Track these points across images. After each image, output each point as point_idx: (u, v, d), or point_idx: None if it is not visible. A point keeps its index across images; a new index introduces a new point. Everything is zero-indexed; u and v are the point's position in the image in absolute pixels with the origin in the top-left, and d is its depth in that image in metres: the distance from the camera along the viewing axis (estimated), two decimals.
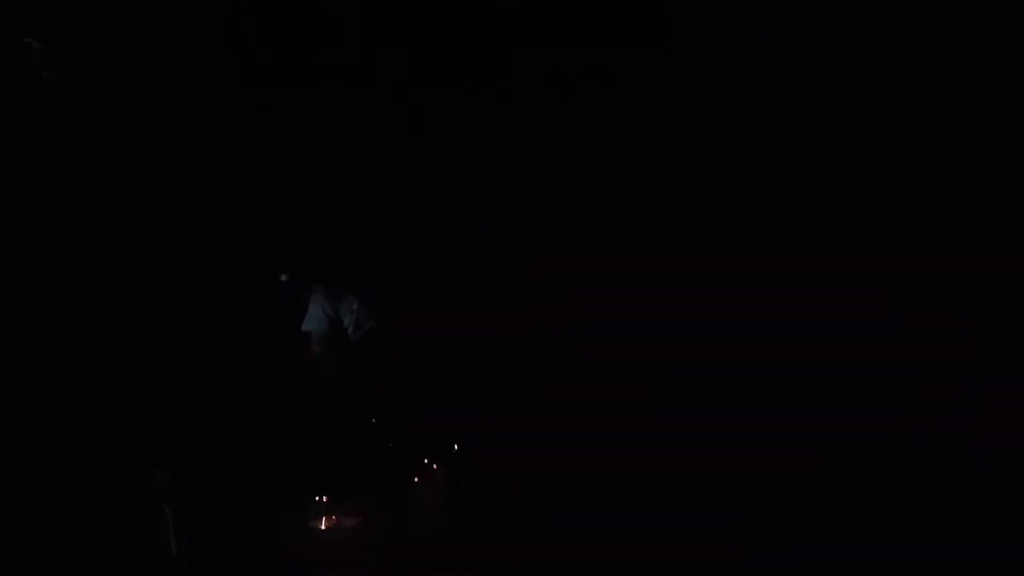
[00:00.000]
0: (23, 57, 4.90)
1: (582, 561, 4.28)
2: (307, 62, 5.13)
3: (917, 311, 4.60)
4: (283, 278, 5.23)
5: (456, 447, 4.86)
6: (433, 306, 5.11)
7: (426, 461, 4.81)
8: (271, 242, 5.15)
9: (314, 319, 5.12)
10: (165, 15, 4.93)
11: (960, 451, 4.33)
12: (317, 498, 4.64)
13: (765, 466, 4.50)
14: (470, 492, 4.71)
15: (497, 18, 5.03)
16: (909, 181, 4.73)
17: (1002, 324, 4.48)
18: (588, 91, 5.11)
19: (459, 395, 4.99)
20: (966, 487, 4.23)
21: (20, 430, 4.54)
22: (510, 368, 5.02)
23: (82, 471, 4.60)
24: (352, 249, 5.15)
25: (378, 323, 5.10)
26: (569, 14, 5.04)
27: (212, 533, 4.59)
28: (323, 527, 4.60)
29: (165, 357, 4.88)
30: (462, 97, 5.11)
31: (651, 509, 4.49)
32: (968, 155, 4.63)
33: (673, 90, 4.99)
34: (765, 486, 4.47)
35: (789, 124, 4.86)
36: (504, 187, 5.15)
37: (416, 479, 4.76)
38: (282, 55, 5.12)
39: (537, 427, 4.82)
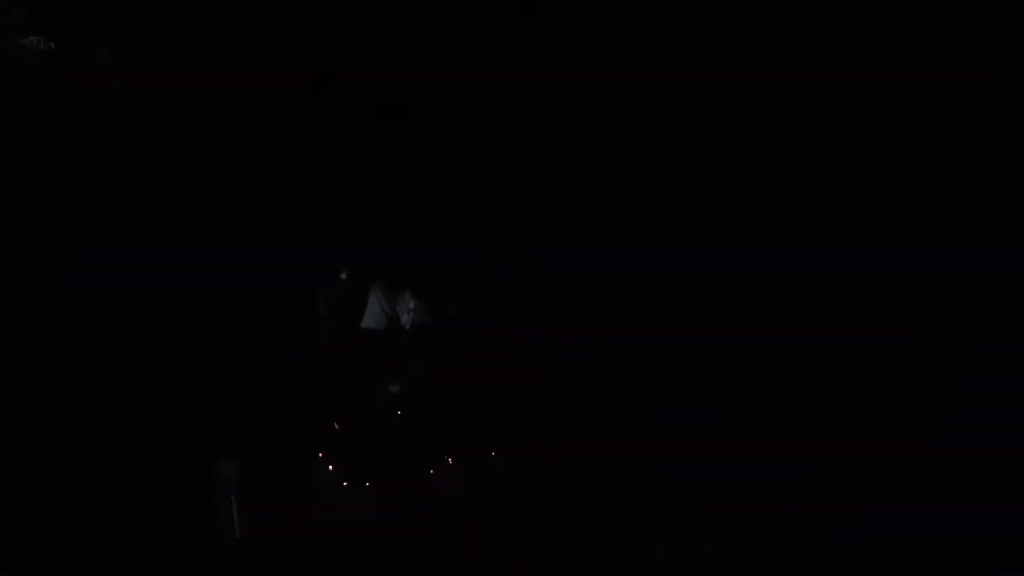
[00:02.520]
0: (92, 61, 5.12)
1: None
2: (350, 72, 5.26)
3: (917, 310, 4.64)
4: (343, 275, 5.35)
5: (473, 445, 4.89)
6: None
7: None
8: (331, 240, 5.31)
9: (372, 316, 5.22)
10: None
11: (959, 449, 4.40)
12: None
13: (767, 464, 4.60)
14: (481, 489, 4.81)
15: (499, 21, 5.10)
16: (909, 180, 4.75)
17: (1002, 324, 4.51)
18: (588, 91, 5.16)
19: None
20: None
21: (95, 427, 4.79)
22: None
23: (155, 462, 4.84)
24: (410, 247, 5.24)
25: (435, 321, 5.17)
26: (571, 15, 5.10)
27: (269, 518, 4.75)
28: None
29: (229, 355, 5.08)
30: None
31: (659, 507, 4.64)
32: (968, 155, 4.64)
33: (674, 90, 5.04)
34: (767, 484, 4.56)
35: (789, 124, 4.91)
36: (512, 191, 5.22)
37: (432, 471, 4.82)
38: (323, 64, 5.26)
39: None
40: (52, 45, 5.10)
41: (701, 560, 4.48)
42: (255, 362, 5.09)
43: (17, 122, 5.00)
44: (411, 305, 5.21)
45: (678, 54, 4.97)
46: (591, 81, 5.16)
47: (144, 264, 5.00)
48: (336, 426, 4.95)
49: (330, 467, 4.77)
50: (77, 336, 4.89)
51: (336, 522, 4.74)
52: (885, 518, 4.37)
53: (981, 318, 4.59)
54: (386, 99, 5.30)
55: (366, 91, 5.28)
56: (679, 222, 5.03)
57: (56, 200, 4.99)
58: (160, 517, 4.74)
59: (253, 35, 5.23)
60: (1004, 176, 4.56)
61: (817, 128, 4.80)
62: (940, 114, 4.59)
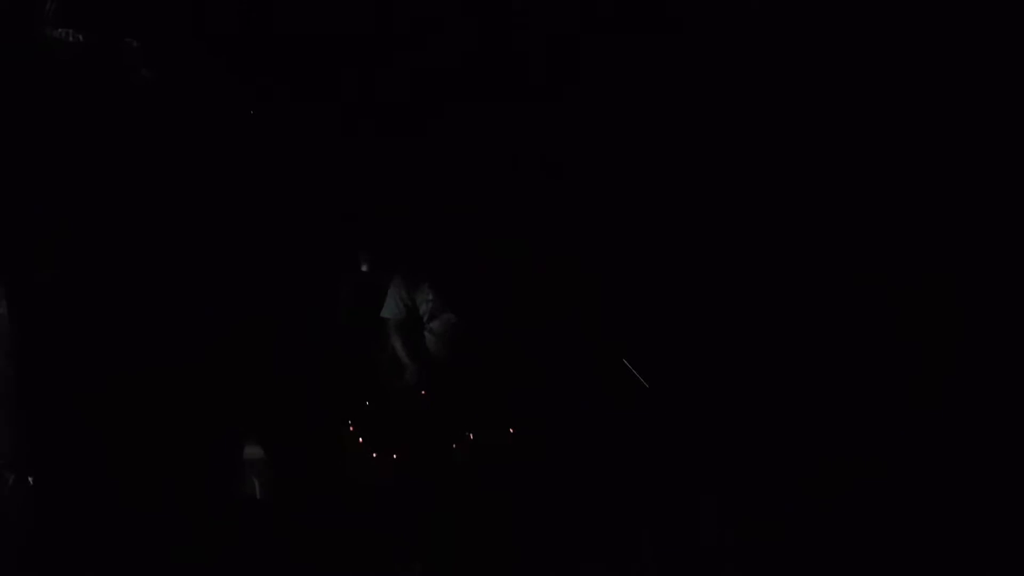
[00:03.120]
0: (121, 55, 5.20)
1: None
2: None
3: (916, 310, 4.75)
4: (363, 267, 5.50)
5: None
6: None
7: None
8: (355, 231, 5.45)
9: (391, 306, 5.38)
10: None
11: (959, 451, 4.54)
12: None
13: (768, 464, 4.74)
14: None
15: (500, 18, 5.18)
16: (909, 181, 4.85)
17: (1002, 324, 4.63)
18: (587, 91, 5.26)
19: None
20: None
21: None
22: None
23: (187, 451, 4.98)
24: (431, 240, 5.37)
25: (455, 314, 5.31)
26: (572, 13, 5.19)
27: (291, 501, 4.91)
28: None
29: (250, 344, 5.21)
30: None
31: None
32: (968, 155, 4.74)
33: (673, 88, 5.14)
34: (767, 484, 4.69)
35: (789, 123, 5.00)
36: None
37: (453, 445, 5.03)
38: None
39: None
40: (81, 37, 5.17)
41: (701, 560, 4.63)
42: (277, 350, 5.25)
43: (45, 113, 5.08)
44: (429, 296, 5.36)
45: (676, 53, 5.03)
46: (595, 79, 5.23)
47: (170, 255, 5.11)
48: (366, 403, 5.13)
49: (359, 441, 4.96)
50: (101, 326, 4.99)
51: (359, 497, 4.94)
52: (890, 523, 4.52)
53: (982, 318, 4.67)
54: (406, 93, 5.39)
55: (389, 84, 5.37)
56: (680, 221, 5.13)
57: (79, 192, 5.07)
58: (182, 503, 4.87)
59: (280, 32, 5.32)
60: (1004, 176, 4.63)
61: (817, 128, 4.86)
62: (940, 114, 4.65)
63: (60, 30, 5.16)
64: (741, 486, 4.70)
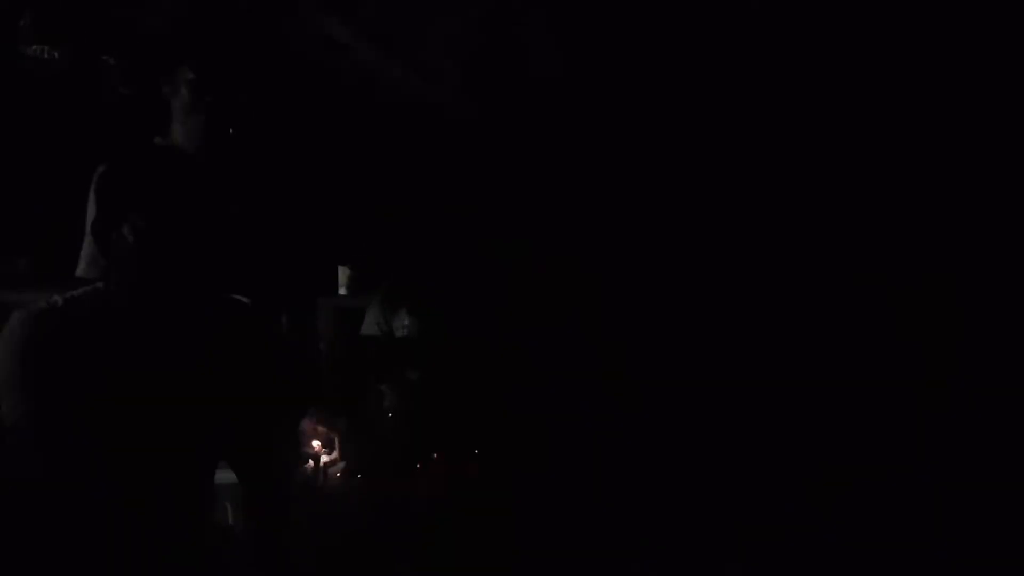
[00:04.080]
0: (101, 73, 5.12)
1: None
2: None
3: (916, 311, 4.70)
4: (342, 291, 5.38)
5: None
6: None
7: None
8: (332, 254, 5.33)
9: (369, 327, 5.26)
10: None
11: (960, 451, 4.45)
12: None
13: (767, 465, 4.69)
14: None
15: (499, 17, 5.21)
16: (908, 181, 4.87)
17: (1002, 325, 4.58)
18: (586, 90, 5.26)
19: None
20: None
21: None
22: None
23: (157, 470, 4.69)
24: (409, 261, 5.27)
25: (431, 339, 5.18)
26: (570, 12, 5.19)
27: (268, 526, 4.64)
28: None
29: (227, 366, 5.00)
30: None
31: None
32: (968, 155, 4.76)
33: (673, 88, 5.16)
34: (766, 485, 4.63)
35: (789, 124, 5.03)
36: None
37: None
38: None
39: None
40: (56, 55, 5.11)
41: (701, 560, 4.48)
42: (252, 369, 5.05)
43: (20, 131, 4.98)
44: (406, 321, 5.24)
45: (676, 53, 5.08)
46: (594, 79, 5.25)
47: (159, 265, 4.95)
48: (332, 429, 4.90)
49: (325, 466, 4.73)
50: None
51: (328, 521, 4.66)
52: (891, 524, 4.46)
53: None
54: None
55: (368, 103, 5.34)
56: (680, 222, 5.10)
57: (55, 210, 4.94)
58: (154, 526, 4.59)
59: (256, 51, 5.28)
60: (1004, 176, 4.68)
61: (817, 128, 4.91)
62: (940, 114, 4.72)
63: (35, 47, 5.10)
64: (741, 486, 4.64)
